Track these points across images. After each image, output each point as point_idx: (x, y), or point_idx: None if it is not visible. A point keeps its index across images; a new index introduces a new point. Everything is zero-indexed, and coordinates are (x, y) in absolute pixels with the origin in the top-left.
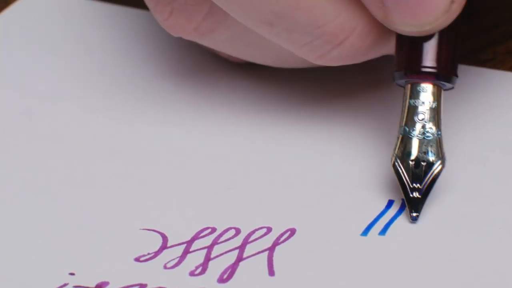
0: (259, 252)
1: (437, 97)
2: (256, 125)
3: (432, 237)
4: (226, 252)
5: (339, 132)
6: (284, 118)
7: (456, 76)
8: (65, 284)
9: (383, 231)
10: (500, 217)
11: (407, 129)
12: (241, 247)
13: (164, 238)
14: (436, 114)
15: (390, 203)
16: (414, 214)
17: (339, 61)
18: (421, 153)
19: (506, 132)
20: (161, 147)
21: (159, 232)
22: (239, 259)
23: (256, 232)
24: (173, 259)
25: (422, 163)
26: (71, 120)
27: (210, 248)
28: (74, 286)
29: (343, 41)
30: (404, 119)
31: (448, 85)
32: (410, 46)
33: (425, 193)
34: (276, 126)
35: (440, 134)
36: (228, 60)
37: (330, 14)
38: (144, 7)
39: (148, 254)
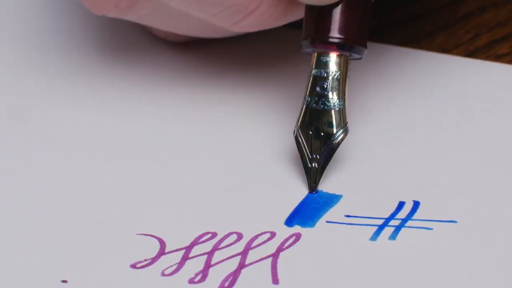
0: (262, 259)
1: (341, 67)
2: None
3: (445, 241)
4: (227, 259)
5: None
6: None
7: (365, 47)
8: None
9: (393, 236)
10: None
11: (309, 99)
12: (244, 253)
13: (162, 243)
14: (339, 84)
15: (400, 205)
16: (313, 185)
17: (253, 28)
18: (321, 124)
19: None
20: (158, 149)
21: (156, 237)
22: (241, 265)
23: (259, 237)
24: (172, 266)
25: (322, 133)
26: (63, 119)
27: (210, 254)
28: None
29: (253, 10)
30: (308, 89)
31: (355, 55)
32: (317, 16)
33: (324, 164)
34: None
35: (343, 104)
36: (166, 40)
37: None
38: None
39: (145, 260)
